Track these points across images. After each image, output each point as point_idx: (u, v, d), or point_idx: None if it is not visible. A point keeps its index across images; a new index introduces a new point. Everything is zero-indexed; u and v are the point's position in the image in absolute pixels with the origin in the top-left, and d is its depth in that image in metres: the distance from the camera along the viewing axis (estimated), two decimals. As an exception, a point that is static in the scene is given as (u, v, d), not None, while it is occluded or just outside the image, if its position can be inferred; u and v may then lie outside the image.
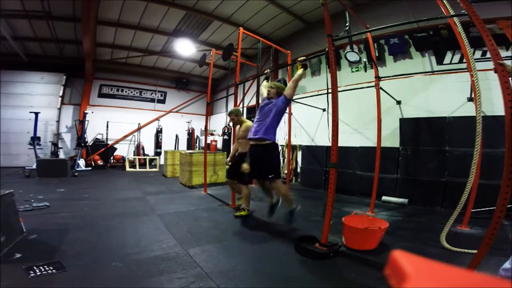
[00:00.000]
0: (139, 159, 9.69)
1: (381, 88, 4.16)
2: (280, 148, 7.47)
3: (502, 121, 1.81)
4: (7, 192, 2.51)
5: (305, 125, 7.10)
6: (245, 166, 3.07)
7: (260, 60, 5.63)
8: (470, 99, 4.29)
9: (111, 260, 2.23)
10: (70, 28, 7.42)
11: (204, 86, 12.16)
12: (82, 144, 8.62)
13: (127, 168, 9.11)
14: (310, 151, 6.46)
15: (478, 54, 4.24)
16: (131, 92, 11.23)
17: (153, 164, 9.60)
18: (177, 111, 12.16)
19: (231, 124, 3.87)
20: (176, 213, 3.76)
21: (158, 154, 10.58)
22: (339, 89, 2.63)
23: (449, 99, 4.59)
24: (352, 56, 3.78)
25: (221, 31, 7.82)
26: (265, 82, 3.51)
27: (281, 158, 7.18)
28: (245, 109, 7.14)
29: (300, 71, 2.89)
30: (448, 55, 4.75)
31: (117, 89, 10.95)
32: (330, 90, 2.69)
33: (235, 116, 3.74)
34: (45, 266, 2.02)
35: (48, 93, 9.33)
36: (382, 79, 4.16)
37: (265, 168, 2.83)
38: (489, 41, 1.91)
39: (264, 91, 3.23)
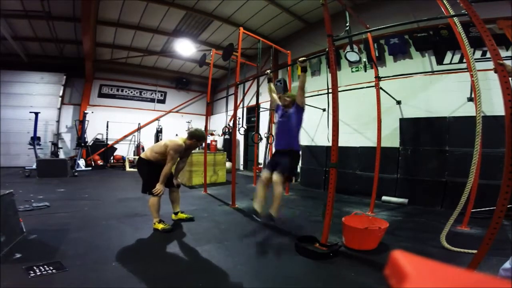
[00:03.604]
0: (139, 159, 9.68)
1: (381, 88, 4.16)
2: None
3: (502, 121, 1.81)
4: (7, 192, 2.51)
5: (305, 125, 6.97)
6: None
7: (260, 60, 5.63)
8: (470, 99, 4.29)
9: (111, 260, 2.23)
10: (70, 28, 7.42)
11: (204, 86, 12.16)
12: (82, 144, 8.62)
13: (127, 168, 9.12)
14: (310, 151, 6.46)
15: (478, 54, 4.24)
16: (131, 92, 11.24)
17: (153, 164, 9.58)
18: (177, 111, 12.16)
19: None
20: (176, 213, 3.74)
21: (158, 154, 10.56)
22: (339, 89, 2.63)
23: (449, 99, 4.59)
24: (352, 56, 3.78)
25: (221, 31, 7.82)
26: (272, 87, 3.54)
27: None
28: (245, 109, 7.13)
29: (301, 77, 2.92)
30: (448, 55, 4.75)
31: (117, 89, 10.96)
32: (330, 90, 2.69)
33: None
34: (45, 266, 2.02)
35: (48, 93, 9.34)
36: (382, 79, 4.16)
37: (284, 165, 2.89)
38: (489, 41, 1.91)
39: (274, 97, 3.41)
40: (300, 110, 3.00)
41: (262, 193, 2.96)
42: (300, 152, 3.12)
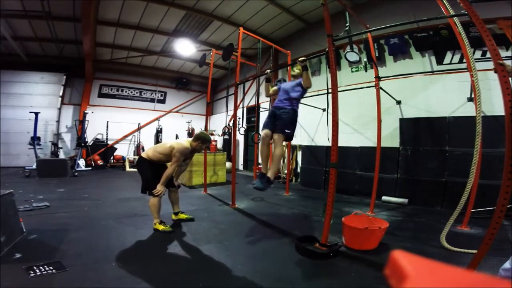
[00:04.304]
0: (139, 159, 9.67)
1: (381, 88, 4.16)
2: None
3: (502, 121, 1.81)
4: (7, 192, 2.51)
5: (305, 125, 7.10)
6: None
7: (260, 60, 5.63)
8: (470, 99, 4.29)
9: (111, 260, 2.23)
10: (70, 28, 7.42)
11: (204, 86, 12.16)
12: (82, 144, 8.62)
13: (127, 168, 9.12)
14: (310, 151, 6.46)
15: (478, 54, 4.25)
16: (131, 92, 11.24)
17: (153, 164, 9.58)
18: (177, 111, 12.16)
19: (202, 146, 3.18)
20: (176, 213, 3.74)
21: (158, 154, 10.57)
22: (339, 89, 2.63)
23: (449, 99, 4.59)
24: (352, 56, 3.77)
25: (221, 31, 7.82)
26: (269, 86, 3.56)
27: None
28: (245, 109, 7.13)
29: (305, 75, 2.95)
30: (448, 55, 4.75)
31: (117, 89, 10.96)
32: (330, 90, 2.69)
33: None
34: (45, 266, 2.02)
35: (48, 93, 9.33)
36: (382, 79, 4.16)
37: (283, 123, 2.97)
38: (489, 41, 1.91)
39: (271, 94, 3.55)
40: (304, 89, 3.11)
41: (266, 153, 3.14)
42: (297, 112, 3.14)
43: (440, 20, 4.33)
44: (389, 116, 4.96)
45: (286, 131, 2.93)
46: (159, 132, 10.93)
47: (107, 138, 10.20)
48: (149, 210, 3.06)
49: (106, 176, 7.59)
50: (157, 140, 10.89)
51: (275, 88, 3.49)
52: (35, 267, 1.99)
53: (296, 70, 3.28)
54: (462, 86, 4.34)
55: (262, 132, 3.08)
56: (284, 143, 3.14)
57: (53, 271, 1.98)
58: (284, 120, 2.97)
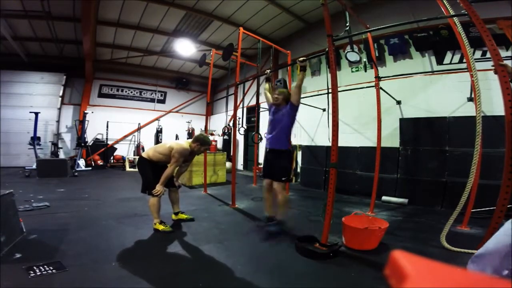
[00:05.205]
0: (139, 159, 9.67)
1: (381, 88, 4.16)
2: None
3: (502, 121, 1.82)
4: (7, 192, 2.50)
5: (305, 125, 7.10)
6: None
7: (260, 60, 5.63)
8: (470, 99, 4.29)
9: (111, 260, 2.23)
10: (70, 28, 7.42)
11: (204, 86, 12.16)
12: (82, 144, 8.62)
13: (127, 168, 9.12)
14: (310, 151, 6.46)
15: (478, 54, 4.25)
16: (131, 92, 11.24)
17: (153, 164, 9.57)
18: (177, 111, 12.16)
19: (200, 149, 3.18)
20: (176, 213, 3.74)
21: (158, 154, 10.56)
22: (339, 89, 2.63)
23: (449, 99, 4.59)
24: (353, 56, 3.78)
25: (221, 31, 7.82)
26: (266, 85, 3.56)
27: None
28: (245, 109, 7.14)
29: (300, 75, 2.91)
30: (448, 55, 4.75)
31: (117, 89, 10.96)
32: (330, 90, 2.69)
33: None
34: (45, 266, 2.02)
35: (48, 93, 9.33)
36: (382, 79, 4.16)
37: (279, 171, 3.02)
38: (489, 41, 1.91)
39: (268, 95, 3.39)
40: (294, 108, 3.00)
41: (268, 199, 3.16)
42: (291, 151, 3.19)
43: (440, 20, 4.33)
44: (389, 116, 4.96)
45: (283, 178, 3.00)
46: (159, 132, 10.93)
47: (107, 138, 10.20)
48: (149, 210, 3.06)
49: (106, 176, 7.59)
50: (157, 140, 10.89)
51: (270, 99, 3.30)
52: (35, 267, 1.99)
53: (278, 96, 3.05)
54: (462, 86, 4.34)
55: (263, 182, 3.19)
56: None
57: (53, 271, 1.98)
58: (280, 166, 3.01)
